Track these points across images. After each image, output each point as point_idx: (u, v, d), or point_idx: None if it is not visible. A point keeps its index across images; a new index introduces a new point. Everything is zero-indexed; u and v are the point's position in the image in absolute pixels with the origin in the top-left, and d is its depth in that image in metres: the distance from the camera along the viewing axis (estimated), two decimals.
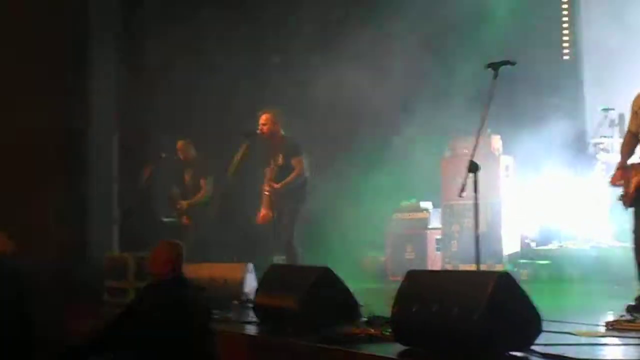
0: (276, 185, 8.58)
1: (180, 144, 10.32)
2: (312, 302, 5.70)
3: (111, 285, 8.82)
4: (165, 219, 11.36)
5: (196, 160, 10.20)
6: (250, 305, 6.80)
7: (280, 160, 8.66)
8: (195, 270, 7.44)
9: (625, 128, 6.76)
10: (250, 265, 7.66)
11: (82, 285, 9.41)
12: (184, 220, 10.14)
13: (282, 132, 8.83)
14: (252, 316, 6.55)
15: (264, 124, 8.74)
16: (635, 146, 6.51)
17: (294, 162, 8.60)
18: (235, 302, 7.41)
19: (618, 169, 6.52)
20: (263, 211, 8.72)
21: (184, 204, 10.14)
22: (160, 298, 5.15)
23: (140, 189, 10.05)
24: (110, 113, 11.43)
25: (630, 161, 6.53)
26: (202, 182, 10.06)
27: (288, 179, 8.56)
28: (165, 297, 5.14)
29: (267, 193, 8.68)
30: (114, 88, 11.44)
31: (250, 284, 7.45)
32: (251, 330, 6.27)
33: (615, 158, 9.04)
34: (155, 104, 11.31)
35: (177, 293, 5.16)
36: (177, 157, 10.29)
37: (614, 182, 6.55)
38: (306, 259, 8.41)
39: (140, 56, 11.40)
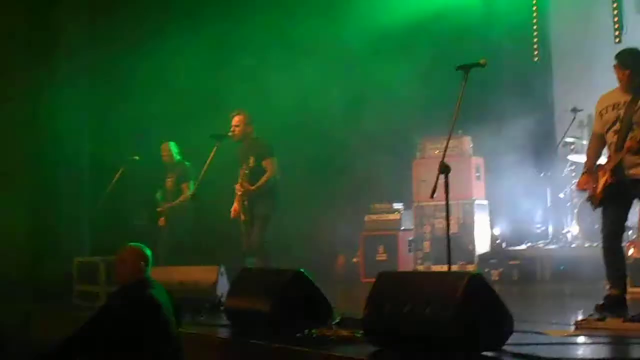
0: (250, 187, 8.54)
1: (163, 146, 10.26)
2: (284, 305, 5.70)
3: (82, 289, 8.76)
4: (137, 222, 11.30)
5: (179, 163, 10.10)
6: (222, 308, 6.78)
7: (251, 162, 8.62)
8: (167, 273, 7.41)
9: None
10: (222, 268, 7.63)
11: (52, 289, 9.35)
12: (160, 221, 10.06)
13: (254, 134, 8.79)
14: (224, 319, 6.53)
15: (236, 126, 8.71)
16: (601, 148, 6.57)
17: (265, 164, 8.57)
18: (207, 304, 7.37)
19: (584, 173, 6.57)
20: (235, 206, 8.69)
21: (165, 206, 10.04)
22: (127, 301, 5.12)
23: (111, 192, 9.95)
24: (80, 114, 11.36)
25: (598, 162, 6.59)
26: (183, 186, 9.97)
27: (260, 181, 8.52)
28: (132, 300, 5.11)
29: (239, 193, 8.63)
30: (84, 88, 11.38)
31: (222, 286, 7.42)
32: (223, 332, 6.26)
33: (584, 158, 9.14)
34: (126, 105, 11.23)
35: (144, 295, 5.13)
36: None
37: (580, 187, 6.61)
38: (278, 261, 8.39)
39: (110, 56, 11.33)
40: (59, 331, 6.14)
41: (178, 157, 10.18)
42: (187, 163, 10.10)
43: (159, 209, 10.15)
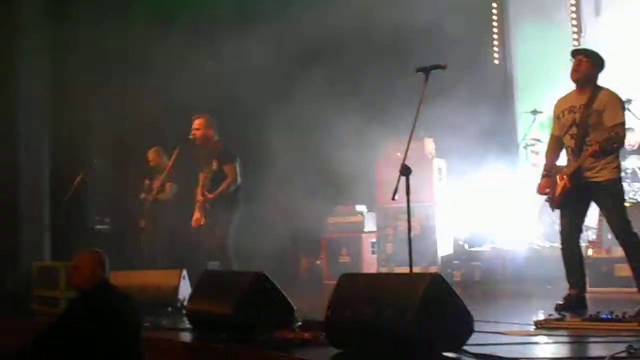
0: (209, 195, 8.48)
1: (150, 151, 10.15)
2: (247, 308, 5.67)
3: (41, 295, 8.66)
4: (98, 227, 11.20)
5: (166, 166, 9.95)
6: (184, 311, 6.74)
7: (213, 166, 8.58)
8: (127, 278, 7.36)
9: None
10: (184, 272, 7.59)
11: (11, 295, 9.24)
12: (142, 223, 9.94)
13: (216, 137, 8.75)
14: (186, 323, 6.49)
15: (196, 129, 8.67)
16: (559, 150, 6.66)
17: (227, 168, 8.52)
18: (169, 308, 7.33)
19: (543, 176, 6.65)
20: (196, 215, 8.64)
21: (147, 206, 9.91)
22: (87, 308, 5.07)
23: (72, 196, 9.84)
24: (41, 117, 11.23)
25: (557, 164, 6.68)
26: (166, 186, 9.85)
27: (221, 188, 8.46)
28: (91, 307, 5.06)
29: (200, 199, 8.59)
30: (44, 91, 11.25)
31: (184, 290, 7.37)
32: (185, 336, 6.21)
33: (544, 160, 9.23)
34: (87, 108, 11.12)
35: (103, 301, 5.09)
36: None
37: (540, 192, 6.69)
38: (241, 264, 8.37)
39: (71, 58, 11.20)
40: (18, 337, 6.06)
41: (166, 161, 10.03)
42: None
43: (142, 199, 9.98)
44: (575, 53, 6.55)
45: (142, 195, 10.00)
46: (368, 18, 11.06)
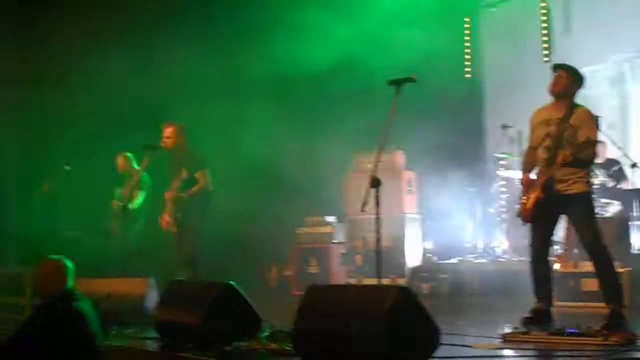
0: (182, 194, 8.45)
1: (119, 158, 10.07)
2: (214, 317, 5.65)
3: (6, 302, 8.56)
4: (67, 233, 11.09)
5: (135, 173, 9.87)
6: (151, 320, 6.69)
7: (184, 174, 8.54)
8: (94, 285, 7.29)
9: (524, 144, 6.93)
10: (152, 280, 7.54)
11: None
12: (113, 227, 9.85)
13: (187, 146, 8.72)
14: (152, 332, 6.44)
15: (167, 137, 8.63)
16: (535, 159, 6.68)
17: (198, 175, 8.50)
18: (136, 317, 7.27)
19: (524, 172, 6.65)
20: (165, 216, 8.60)
21: (117, 203, 9.80)
22: (51, 315, 5.02)
23: (40, 202, 9.75)
24: (9, 120, 11.15)
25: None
26: (135, 193, 9.77)
27: (192, 189, 8.46)
28: (56, 314, 5.01)
29: (167, 199, 8.54)
30: (11, 93, 11.16)
31: (152, 299, 7.32)
32: (152, 346, 6.17)
33: (514, 174, 9.31)
34: (56, 111, 11.04)
35: (67, 308, 5.04)
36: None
37: (524, 182, 6.65)
38: (209, 273, 8.33)
39: (39, 59, 11.13)
40: None
41: (136, 166, 9.94)
42: (144, 173, 9.82)
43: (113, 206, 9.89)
44: (556, 67, 6.60)
45: (113, 202, 9.91)
46: (339, 31, 11.10)
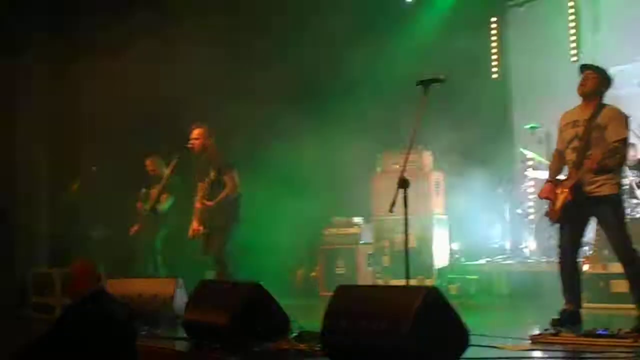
0: (208, 203, 8.47)
1: (149, 160, 10.13)
2: (243, 318, 5.67)
3: (37, 302, 8.65)
4: (95, 234, 11.18)
5: (164, 176, 9.88)
6: (180, 321, 6.73)
7: (212, 175, 8.57)
8: (124, 286, 7.36)
9: (552, 145, 6.91)
10: (181, 281, 7.58)
11: (7, 300, 9.22)
12: (133, 229, 9.90)
13: (215, 147, 8.75)
14: (181, 332, 6.48)
15: (195, 139, 8.66)
16: (562, 164, 6.66)
17: (226, 178, 8.50)
18: (165, 317, 7.32)
19: (547, 182, 6.65)
20: (195, 225, 8.62)
21: (145, 207, 9.82)
22: (81, 315, 5.06)
23: (69, 203, 9.84)
24: (39, 122, 11.23)
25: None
26: (163, 197, 9.81)
27: (220, 196, 8.45)
28: (86, 314, 5.05)
29: (198, 206, 8.58)
30: (42, 96, 11.24)
31: (181, 299, 7.37)
32: (181, 346, 6.21)
33: (543, 175, 9.25)
34: (85, 113, 11.13)
35: (99, 309, 5.09)
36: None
37: (542, 196, 6.68)
38: (237, 274, 8.35)
39: (71, 63, 11.20)
40: (12, 344, 6.04)
41: (165, 170, 9.99)
42: (175, 177, 9.84)
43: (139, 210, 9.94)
44: (583, 68, 6.57)
45: (139, 204, 9.97)
46: (368, 29, 11.11)
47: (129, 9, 10.76)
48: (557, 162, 6.69)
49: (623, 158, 6.34)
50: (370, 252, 10.91)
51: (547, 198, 6.59)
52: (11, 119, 10.85)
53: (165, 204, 9.74)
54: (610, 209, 6.31)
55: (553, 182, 6.58)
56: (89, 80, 11.06)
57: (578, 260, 6.65)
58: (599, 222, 6.65)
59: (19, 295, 9.08)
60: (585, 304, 6.87)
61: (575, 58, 11.12)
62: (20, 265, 10.27)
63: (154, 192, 9.80)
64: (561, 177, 6.62)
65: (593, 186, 6.29)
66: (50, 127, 11.44)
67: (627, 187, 9.05)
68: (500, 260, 10.23)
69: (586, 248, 8.57)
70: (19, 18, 11.12)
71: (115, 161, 10.59)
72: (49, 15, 11.43)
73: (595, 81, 6.44)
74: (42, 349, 5.08)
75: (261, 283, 5.89)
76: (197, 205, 8.57)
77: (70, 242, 10.46)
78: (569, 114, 6.62)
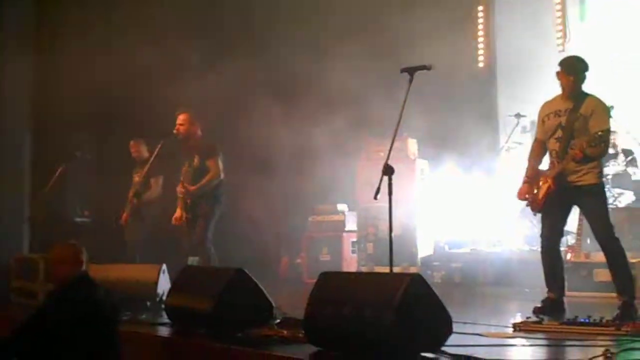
0: (191, 188, 8.47)
1: (132, 143, 10.08)
2: (226, 304, 5.66)
3: (19, 286, 8.61)
4: (79, 219, 11.13)
5: (148, 160, 9.84)
6: (163, 306, 6.72)
7: (195, 161, 8.56)
8: (107, 271, 7.32)
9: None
10: (164, 266, 7.56)
11: None
12: (123, 218, 9.85)
13: (200, 133, 8.73)
14: (164, 317, 6.47)
15: (180, 124, 8.64)
16: (543, 154, 6.68)
17: (209, 163, 8.50)
18: (148, 303, 7.31)
19: (524, 182, 6.66)
20: (178, 212, 8.61)
21: (134, 200, 9.77)
22: (65, 301, 5.04)
23: (52, 189, 9.78)
24: (23, 110, 11.16)
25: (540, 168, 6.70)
26: (152, 181, 9.78)
27: (202, 181, 8.45)
28: (70, 299, 5.03)
29: (180, 195, 8.56)
30: (26, 83, 11.17)
31: (164, 285, 7.35)
32: (163, 331, 6.20)
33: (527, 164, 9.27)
34: (70, 100, 11.04)
35: (82, 293, 5.07)
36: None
37: (520, 197, 6.70)
38: (220, 260, 8.35)
39: (54, 50, 11.12)
40: None
41: (147, 154, 9.96)
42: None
43: (129, 203, 9.87)
44: (559, 65, 6.57)
45: (130, 195, 9.84)
46: (353, 18, 11.08)
47: None
48: (537, 153, 6.70)
49: (606, 147, 6.37)
50: (355, 240, 10.92)
51: (524, 199, 6.61)
52: None
53: (157, 188, 9.70)
54: (593, 198, 6.34)
55: (530, 181, 6.59)
56: (73, 65, 10.97)
57: (560, 249, 6.68)
58: (582, 211, 6.69)
59: (2, 280, 9.02)
60: (568, 293, 6.91)
61: (561, 47, 11.13)
62: (3, 250, 10.19)
63: (137, 177, 9.76)
64: (542, 167, 6.64)
65: (576, 175, 6.31)
66: (34, 112, 11.36)
67: (610, 176, 9.08)
68: (484, 248, 10.25)
69: (569, 237, 8.61)
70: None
71: (99, 146, 10.52)
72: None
73: (564, 78, 6.43)
74: (26, 334, 5.06)
75: (245, 269, 5.88)
76: (180, 189, 8.54)
77: (53, 227, 10.39)
78: (550, 103, 6.63)
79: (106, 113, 11.32)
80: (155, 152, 9.01)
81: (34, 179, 11.17)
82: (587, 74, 6.45)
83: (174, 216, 8.61)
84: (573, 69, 6.43)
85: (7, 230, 10.91)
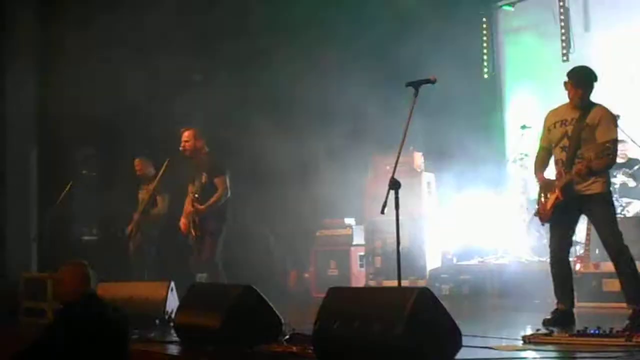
0: (200, 207, 8.47)
1: (137, 161, 10.11)
2: (235, 320, 5.65)
3: (28, 306, 8.61)
4: (85, 238, 11.14)
5: (154, 177, 9.85)
6: (172, 324, 6.71)
7: (203, 178, 8.57)
8: (115, 289, 7.33)
9: None
10: (172, 284, 7.56)
11: None
12: (129, 231, 9.87)
13: (206, 149, 8.74)
14: (173, 335, 6.46)
15: (186, 141, 8.66)
16: (548, 160, 6.67)
17: (216, 181, 8.51)
18: (157, 321, 7.30)
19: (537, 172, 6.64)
20: (183, 220, 8.62)
21: (136, 217, 9.81)
22: (75, 319, 5.04)
23: (59, 207, 9.80)
24: (29, 127, 11.19)
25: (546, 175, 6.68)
26: (158, 198, 9.81)
27: (211, 200, 8.46)
28: (79, 318, 5.03)
29: (189, 209, 8.56)
30: (32, 100, 11.20)
31: (172, 302, 7.35)
32: (172, 349, 6.18)
33: (533, 175, 9.26)
34: (75, 117, 11.07)
35: (90, 312, 5.06)
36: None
37: (540, 181, 6.66)
38: (228, 277, 8.34)
39: (59, 67, 11.15)
40: (4, 349, 6.02)
41: (153, 171, 9.99)
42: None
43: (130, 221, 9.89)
44: (567, 75, 6.56)
45: (135, 217, 9.85)
46: (358, 30, 11.10)
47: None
48: (543, 158, 6.69)
49: (613, 159, 6.33)
50: (363, 254, 10.90)
51: (544, 185, 6.56)
52: (1, 122, 10.80)
53: (163, 206, 9.73)
54: (601, 207, 6.32)
55: (542, 174, 6.58)
56: (77, 82, 11.01)
57: (569, 259, 6.65)
58: (590, 219, 6.66)
59: (11, 299, 9.03)
60: (577, 303, 6.88)
61: (565, 58, 11.14)
62: (11, 269, 10.21)
63: (143, 194, 9.79)
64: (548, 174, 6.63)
65: (584, 184, 6.29)
66: (40, 129, 11.39)
67: (618, 185, 9.06)
68: (492, 260, 10.23)
69: (578, 247, 8.58)
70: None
71: (105, 164, 10.54)
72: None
73: (576, 91, 6.41)
74: (35, 354, 5.06)
75: (253, 285, 5.87)
76: (188, 207, 8.55)
77: (60, 246, 10.40)
78: (556, 112, 6.61)
79: (111, 129, 11.33)
80: (162, 170, 9.04)
81: (40, 197, 11.18)
82: (595, 84, 6.45)
83: (181, 222, 8.61)
84: (582, 82, 6.41)
85: (15, 248, 10.92)
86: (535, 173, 6.73)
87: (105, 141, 11.33)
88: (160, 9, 10.64)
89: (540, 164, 6.70)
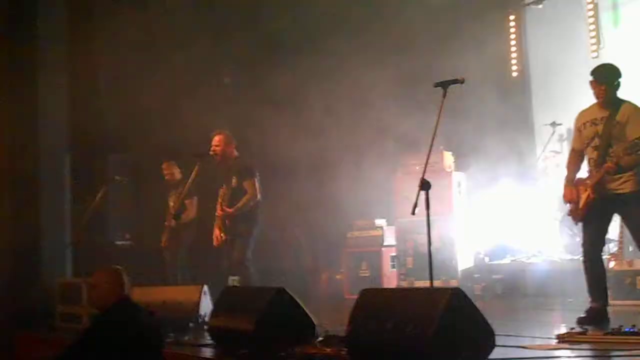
0: (229, 210, 8.53)
1: (165, 165, 10.19)
2: (268, 323, 5.68)
3: (63, 311, 8.70)
4: (119, 243, 11.23)
5: (182, 182, 9.95)
6: (206, 327, 6.76)
7: (233, 182, 8.62)
8: (149, 294, 7.39)
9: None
10: (205, 287, 7.62)
11: (33, 311, 9.28)
12: (162, 242, 9.96)
13: (236, 153, 8.79)
14: (207, 338, 6.51)
15: (216, 145, 8.71)
16: (580, 163, 6.65)
17: (246, 184, 8.56)
18: (191, 324, 7.36)
19: (566, 186, 6.62)
20: (216, 232, 8.67)
21: (172, 222, 9.89)
22: (110, 324, 5.10)
23: (93, 212, 9.90)
24: (62, 133, 11.29)
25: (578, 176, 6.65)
26: (187, 202, 9.89)
27: (240, 203, 8.51)
28: (114, 323, 5.09)
29: (218, 215, 8.63)
30: (65, 106, 11.30)
31: (205, 305, 7.40)
32: (206, 352, 6.22)
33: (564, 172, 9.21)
34: (107, 123, 11.18)
35: (125, 317, 5.12)
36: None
37: (567, 199, 6.64)
38: (261, 279, 8.38)
39: (91, 75, 11.27)
40: (41, 354, 6.11)
41: (180, 175, 10.07)
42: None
43: (166, 225, 9.97)
44: (590, 74, 6.54)
45: (166, 223, 9.94)
46: (387, 32, 11.10)
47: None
48: (575, 163, 6.67)
49: None
50: (394, 254, 10.89)
51: (570, 201, 6.56)
52: (34, 128, 10.91)
53: (192, 210, 9.80)
54: (633, 205, 6.28)
55: (570, 184, 6.56)
56: (108, 88, 11.12)
57: (602, 257, 6.62)
58: (623, 219, 6.62)
59: (47, 304, 9.13)
60: (611, 301, 6.84)
61: (595, 54, 11.05)
62: (46, 275, 10.32)
63: (173, 199, 9.86)
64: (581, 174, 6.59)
65: (616, 183, 6.27)
66: (73, 135, 11.50)
67: None
68: (524, 259, 10.17)
69: (611, 245, 8.52)
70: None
71: (138, 170, 10.62)
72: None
73: (601, 89, 6.38)
74: (71, 358, 5.12)
75: (285, 287, 5.90)
76: (218, 211, 8.62)
77: (95, 251, 10.50)
78: (586, 112, 6.60)
79: (142, 135, 11.41)
80: (193, 175, 9.07)
81: (74, 203, 11.27)
82: (620, 80, 6.41)
83: (215, 236, 8.67)
84: (604, 78, 6.39)
85: (49, 254, 11.02)
86: (567, 170, 6.71)
87: (137, 147, 11.40)
88: (186, 11, 10.73)
89: (571, 166, 6.67)
